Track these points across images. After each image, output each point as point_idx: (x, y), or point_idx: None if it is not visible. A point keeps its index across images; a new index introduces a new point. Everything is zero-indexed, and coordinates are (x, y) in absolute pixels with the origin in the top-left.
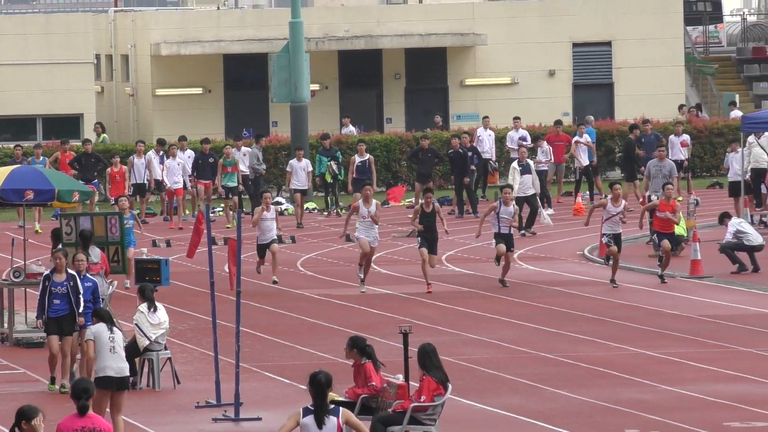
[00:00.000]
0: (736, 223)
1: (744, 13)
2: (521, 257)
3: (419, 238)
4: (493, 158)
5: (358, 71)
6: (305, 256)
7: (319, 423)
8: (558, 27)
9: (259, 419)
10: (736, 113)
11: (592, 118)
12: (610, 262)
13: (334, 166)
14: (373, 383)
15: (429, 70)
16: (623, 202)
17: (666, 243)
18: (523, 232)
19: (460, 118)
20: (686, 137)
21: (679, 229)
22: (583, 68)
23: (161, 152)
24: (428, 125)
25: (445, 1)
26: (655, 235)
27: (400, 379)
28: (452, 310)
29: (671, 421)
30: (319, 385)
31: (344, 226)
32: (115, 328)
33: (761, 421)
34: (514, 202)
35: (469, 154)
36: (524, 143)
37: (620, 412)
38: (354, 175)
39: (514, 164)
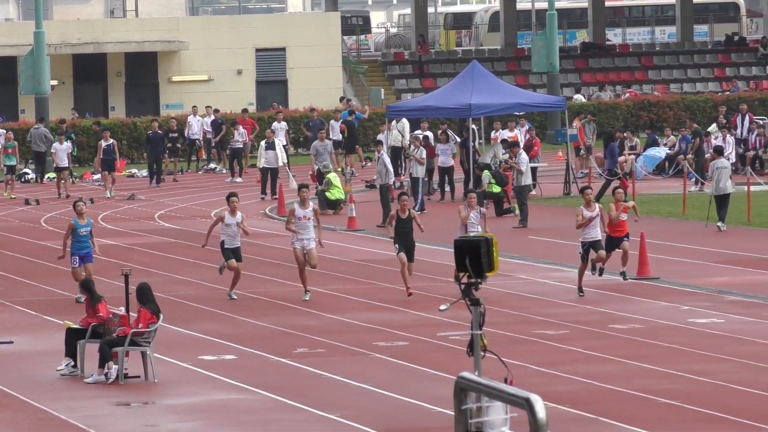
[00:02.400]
0: None
1: (387, 26)
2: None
3: (397, 245)
4: (200, 138)
5: (88, 70)
6: (48, 215)
7: None
8: (244, 36)
9: (11, 342)
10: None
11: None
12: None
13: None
14: (101, 314)
15: (144, 69)
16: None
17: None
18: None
19: (168, 107)
20: (342, 123)
21: (338, 193)
22: (263, 68)
23: None
24: (143, 113)
25: (156, 15)
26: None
27: (122, 311)
28: (163, 257)
29: (332, 341)
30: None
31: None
32: None
33: (401, 341)
34: (478, 207)
35: (173, 135)
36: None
37: (293, 335)
38: (101, 156)
39: (263, 143)
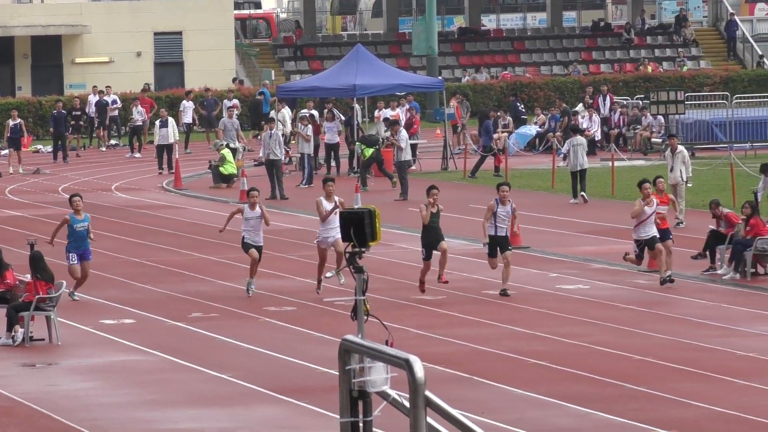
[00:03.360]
0: None
1: (277, 11)
2: (118, 189)
3: (424, 249)
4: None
5: None
6: None
7: None
8: (143, 20)
9: None
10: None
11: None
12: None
13: None
14: (8, 281)
15: (49, 51)
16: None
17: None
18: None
19: (71, 87)
20: (236, 101)
21: (231, 168)
22: (161, 51)
23: None
24: (48, 92)
25: (60, 1)
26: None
27: (28, 278)
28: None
29: (224, 306)
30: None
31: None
32: None
33: (289, 306)
34: (511, 202)
35: (76, 113)
36: (115, 105)
37: (188, 300)
38: (8, 135)
39: (157, 121)
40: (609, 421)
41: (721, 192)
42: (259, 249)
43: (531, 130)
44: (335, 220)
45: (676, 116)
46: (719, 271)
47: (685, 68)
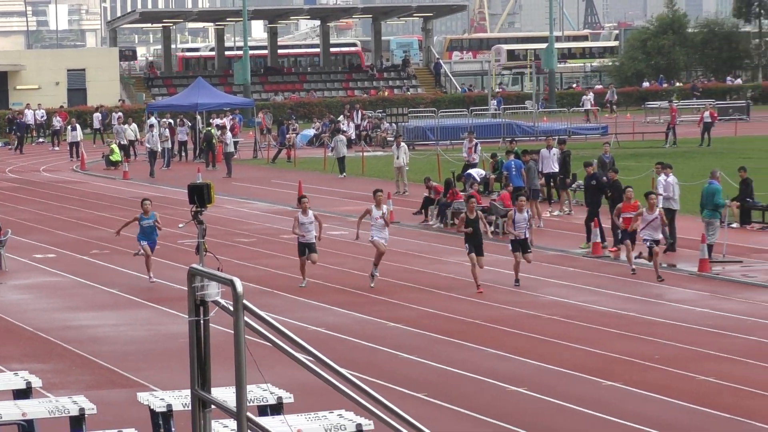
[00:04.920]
0: None
1: (147, 56)
2: (45, 170)
3: (467, 245)
4: (33, 123)
5: None
6: None
7: None
8: (60, 61)
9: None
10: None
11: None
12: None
13: None
14: None
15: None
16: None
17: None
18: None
19: (14, 105)
20: (121, 114)
21: (117, 157)
22: (72, 81)
23: None
24: (1, 108)
25: (6, 49)
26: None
27: None
28: (11, 195)
29: (113, 246)
30: None
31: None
32: None
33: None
34: (527, 209)
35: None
36: (42, 117)
37: (90, 242)
38: None
39: (68, 126)
40: None
41: (431, 171)
42: (312, 247)
43: (310, 132)
44: (381, 224)
45: (402, 123)
46: (430, 222)
47: (408, 93)
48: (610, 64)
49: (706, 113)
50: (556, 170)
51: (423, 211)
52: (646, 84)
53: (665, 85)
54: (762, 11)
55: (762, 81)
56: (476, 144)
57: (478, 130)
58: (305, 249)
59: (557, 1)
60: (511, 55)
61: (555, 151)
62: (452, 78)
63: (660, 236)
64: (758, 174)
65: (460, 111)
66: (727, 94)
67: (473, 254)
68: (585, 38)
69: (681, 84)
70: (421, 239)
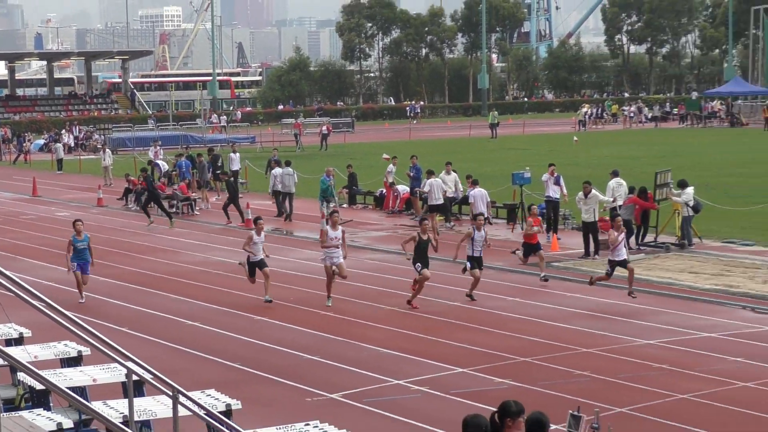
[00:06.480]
0: None
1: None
2: None
3: (419, 264)
4: None
5: None
6: None
7: None
8: None
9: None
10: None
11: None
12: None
13: None
14: None
15: None
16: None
17: None
18: None
19: None
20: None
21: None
22: None
23: None
24: None
25: None
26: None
27: None
28: None
29: (45, 234)
30: None
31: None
32: None
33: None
34: (485, 228)
35: None
36: None
37: None
38: None
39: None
40: None
41: (129, 169)
42: (261, 263)
43: (41, 141)
44: (338, 246)
45: (108, 135)
46: (129, 206)
47: (112, 113)
48: (256, 92)
49: (324, 127)
50: (237, 168)
51: (124, 198)
52: (281, 106)
53: (298, 107)
54: (362, 55)
55: (362, 104)
56: (160, 149)
57: (162, 139)
58: (254, 267)
59: (218, 47)
60: (186, 85)
61: (234, 155)
62: (144, 103)
63: None
64: (361, 170)
65: (149, 126)
66: (338, 113)
67: (426, 270)
68: (238, 74)
69: (305, 107)
70: (123, 218)
